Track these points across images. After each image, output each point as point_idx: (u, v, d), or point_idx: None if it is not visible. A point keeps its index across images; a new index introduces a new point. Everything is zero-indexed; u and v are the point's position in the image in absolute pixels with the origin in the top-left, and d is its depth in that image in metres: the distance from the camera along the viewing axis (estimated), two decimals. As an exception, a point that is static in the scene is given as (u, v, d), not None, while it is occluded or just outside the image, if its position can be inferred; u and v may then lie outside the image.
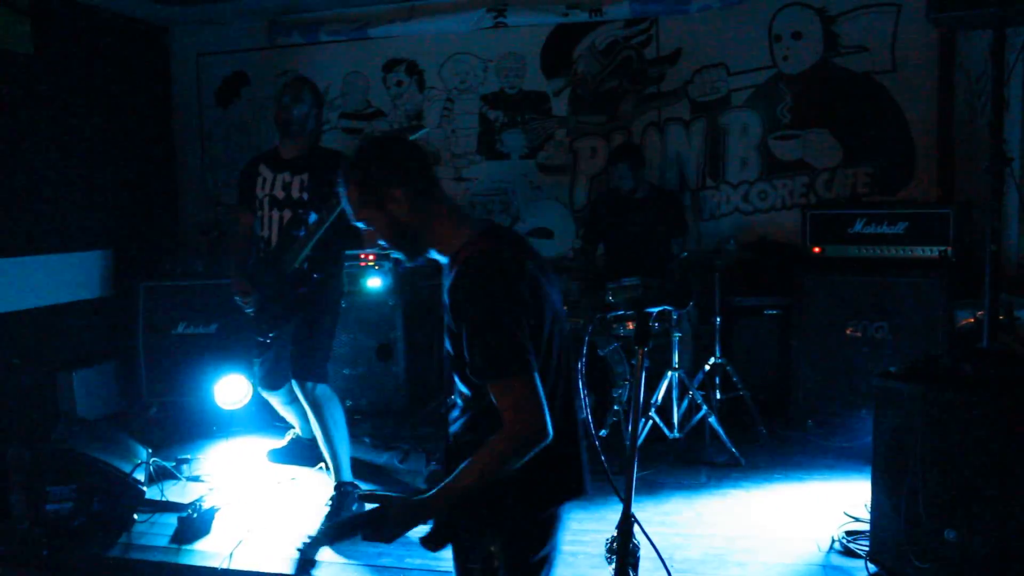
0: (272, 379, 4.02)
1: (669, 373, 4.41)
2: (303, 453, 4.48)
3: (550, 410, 1.75)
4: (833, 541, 3.31)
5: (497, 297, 1.75)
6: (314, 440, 4.22)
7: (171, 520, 3.69)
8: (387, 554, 3.33)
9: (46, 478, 3.63)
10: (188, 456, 4.49)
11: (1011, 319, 3.86)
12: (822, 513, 3.60)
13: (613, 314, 4.48)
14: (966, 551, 2.74)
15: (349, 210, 1.93)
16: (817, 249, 4.81)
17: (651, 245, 4.99)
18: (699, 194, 5.71)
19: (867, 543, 3.12)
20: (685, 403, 4.46)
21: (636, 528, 1.87)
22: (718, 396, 4.67)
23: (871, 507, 3.07)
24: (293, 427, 4.54)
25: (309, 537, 3.36)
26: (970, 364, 2.92)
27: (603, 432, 4.30)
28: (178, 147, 6.62)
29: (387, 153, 1.92)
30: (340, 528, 1.88)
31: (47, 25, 5.22)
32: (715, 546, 3.38)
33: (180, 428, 5.14)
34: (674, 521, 3.66)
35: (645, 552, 1.90)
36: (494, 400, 1.76)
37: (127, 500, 3.80)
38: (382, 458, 4.52)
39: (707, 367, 4.65)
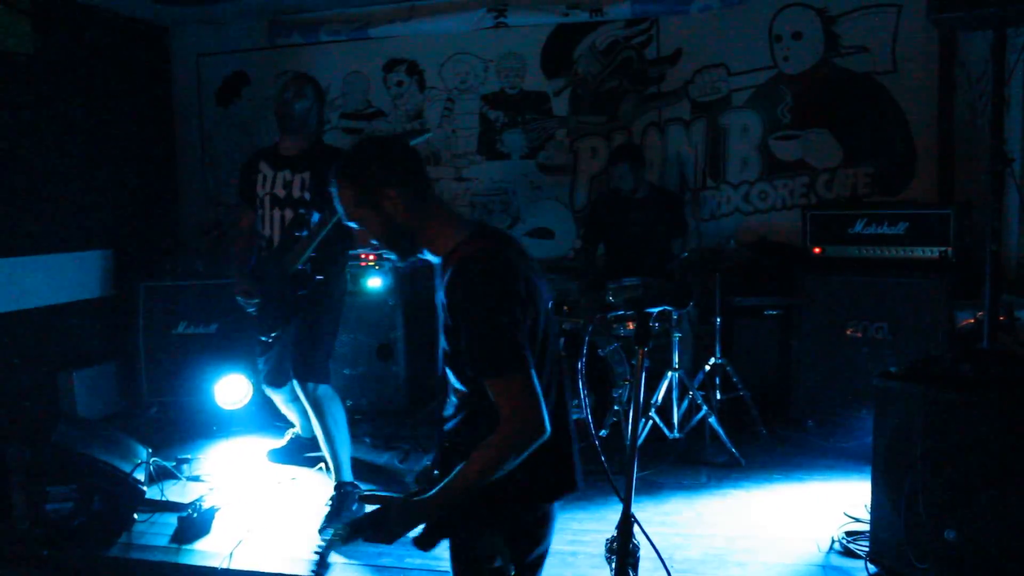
0: (275, 377, 4.03)
1: (669, 373, 4.41)
2: (303, 452, 4.49)
3: (545, 407, 1.77)
4: (833, 541, 3.31)
5: (496, 295, 1.77)
6: (314, 439, 4.22)
7: (171, 520, 3.69)
8: (387, 554, 3.33)
9: (46, 478, 3.64)
10: (188, 456, 4.49)
11: (1011, 320, 3.87)
12: (822, 513, 3.59)
13: (613, 314, 4.48)
14: (966, 551, 2.74)
15: (341, 210, 1.93)
16: (817, 249, 4.81)
17: (651, 245, 4.99)
18: (699, 194, 5.71)
19: (867, 543, 3.13)
20: (685, 403, 4.46)
21: (636, 528, 1.88)
22: (718, 396, 4.67)
23: (871, 507, 3.07)
24: (293, 426, 4.55)
25: (325, 539, 3.35)
26: (970, 365, 2.92)
27: (603, 432, 4.30)
28: (178, 147, 6.62)
29: (384, 153, 1.93)
30: (353, 529, 1.88)
31: (47, 25, 5.22)
32: (715, 546, 3.38)
33: (180, 428, 5.14)
34: (674, 521, 3.65)
35: (645, 552, 1.90)
36: (492, 397, 1.77)
37: (127, 500, 3.80)
38: (382, 458, 4.51)
39: (707, 367, 4.65)
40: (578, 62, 5.86)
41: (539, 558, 2.00)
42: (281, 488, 4.19)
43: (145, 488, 3.90)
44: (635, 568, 1.86)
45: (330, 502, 3.71)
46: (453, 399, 1.96)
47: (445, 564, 2.01)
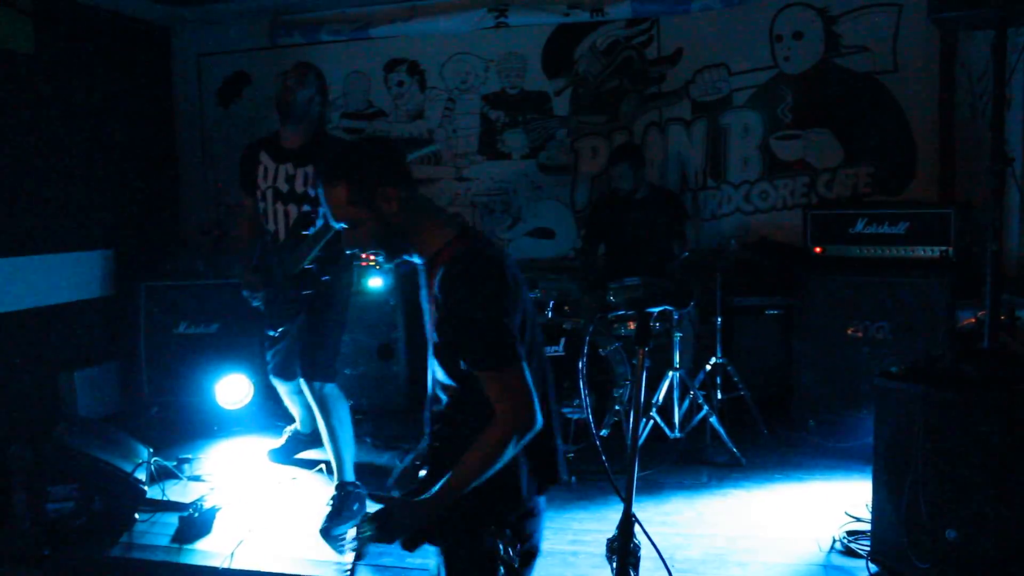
0: (283, 370, 4.07)
1: (670, 373, 4.41)
2: (302, 448, 4.50)
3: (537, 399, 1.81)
4: (834, 541, 3.31)
5: (489, 291, 1.81)
6: (312, 435, 4.24)
7: (172, 520, 3.69)
8: (388, 554, 3.33)
9: (47, 478, 3.64)
10: (189, 456, 4.48)
11: (1012, 319, 3.87)
12: (823, 513, 3.59)
13: (614, 314, 4.48)
14: (967, 551, 2.74)
15: (329, 209, 1.92)
16: (818, 249, 4.81)
17: (652, 245, 4.99)
18: (700, 194, 5.71)
19: (868, 543, 3.12)
20: (686, 403, 4.46)
21: (637, 528, 1.88)
22: (719, 396, 4.67)
23: (872, 507, 3.07)
24: (292, 423, 4.56)
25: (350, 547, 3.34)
26: (971, 364, 2.92)
27: (604, 432, 4.30)
28: (179, 147, 6.63)
29: (378, 152, 1.95)
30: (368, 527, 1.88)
31: (48, 25, 5.22)
32: (716, 546, 3.38)
33: (181, 428, 5.14)
34: (675, 521, 3.65)
35: (646, 552, 1.90)
36: (486, 390, 1.80)
37: (128, 500, 3.80)
38: (383, 458, 4.52)
39: (708, 367, 4.65)
40: (579, 62, 5.86)
41: (530, 554, 2.00)
42: (282, 488, 4.19)
43: (146, 488, 3.90)
44: (636, 568, 1.86)
45: (331, 502, 3.71)
46: (442, 396, 1.97)
47: (447, 564, 2.01)
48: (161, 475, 4.11)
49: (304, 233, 3.65)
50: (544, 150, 5.99)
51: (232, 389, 5.12)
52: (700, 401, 4.38)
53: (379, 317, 5.33)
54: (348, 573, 1.79)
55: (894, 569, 2.97)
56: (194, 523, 3.63)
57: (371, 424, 5.06)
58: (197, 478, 4.28)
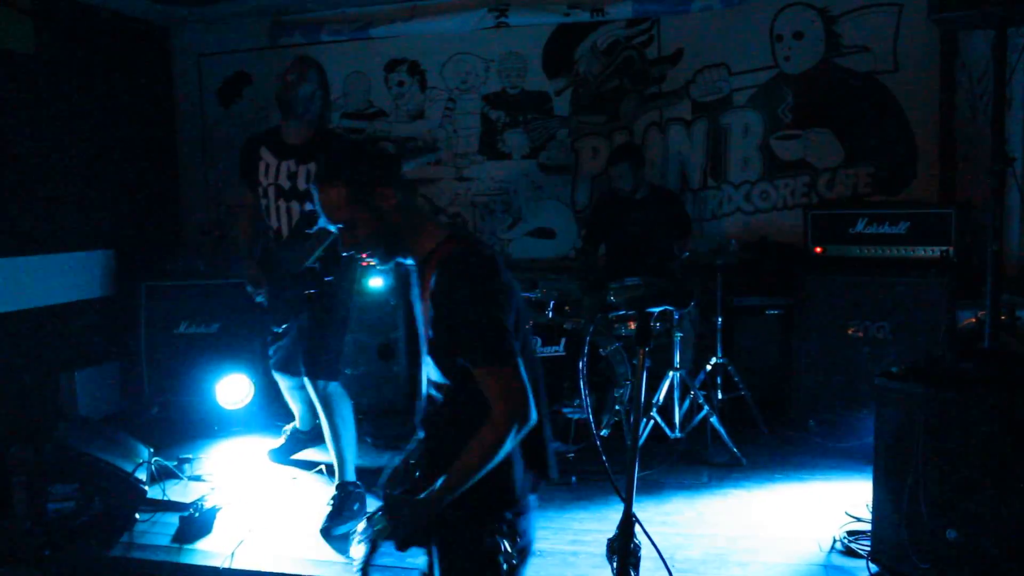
0: (286, 364, 4.07)
1: (671, 373, 4.41)
2: (302, 446, 4.50)
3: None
4: (834, 541, 3.31)
5: (487, 289, 1.83)
6: (312, 432, 4.23)
7: (173, 519, 3.69)
8: (387, 554, 3.32)
9: (48, 477, 3.64)
10: (190, 456, 4.48)
11: (1012, 319, 3.87)
12: (823, 513, 3.59)
13: (615, 314, 4.49)
14: (967, 551, 2.74)
15: (327, 211, 1.93)
16: (819, 249, 4.81)
17: (652, 245, 4.98)
18: (700, 194, 5.71)
19: (868, 543, 3.12)
20: (687, 403, 4.46)
21: (637, 528, 1.88)
22: (719, 396, 4.67)
23: (872, 507, 3.07)
24: (292, 421, 4.56)
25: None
26: (971, 364, 2.92)
27: (604, 432, 4.30)
28: (180, 147, 6.63)
29: (375, 151, 1.98)
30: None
31: (48, 25, 5.22)
32: (716, 546, 3.38)
33: (182, 428, 5.14)
34: (675, 521, 3.65)
35: (646, 552, 1.90)
36: (482, 386, 1.81)
37: (129, 499, 3.80)
38: (383, 458, 4.52)
39: (708, 367, 4.65)
40: (579, 62, 5.86)
41: (524, 552, 2.01)
42: (282, 488, 4.19)
43: (147, 488, 3.91)
44: (636, 568, 1.86)
45: (332, 501, 3.71)
46: (436, 394, 1.99)
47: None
48: (161, 475, 4.11)
49: (308, 232, 3.64)
50: (544, 150, 5.98)
51: (232, 389, 5.12)
52: (700, 401, 4.38)
53: (379, 317, 5.34)
54: (361, 571, 1.79)
55: (894, 569, 2.96)
56: (194, 523, 3.63)
57: (371, 424, 5.06)
58: (197, 478, 4.28)
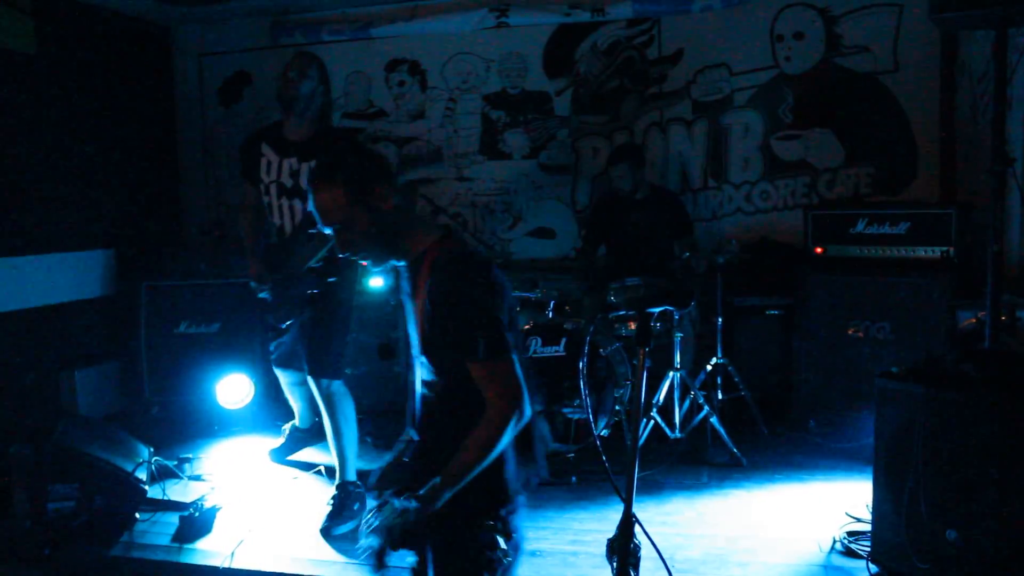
0: (287, 359, 4.08)
1: (671, 373, 4.41)
2: (301, 444, 4.49)
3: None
4: (834, 541, 3.31)
5: (481, 287, 1.86)
6: (311, 430, 4.23)
7: (173, 519, 3.70)
8: (387, 553, 3.32)
9: (48, 477, 3.64)
10: (190, 455, 4.48)
11: (1013, 320, 3.87)
12: (823, 513, 3.59)
13: (615, 314, 4.48)
14: (967, 551, 2.74)
15: (323, 213, 1.93)
16: (819, 249, 4.81)
17: (652, 245, 4.98)
18: (701, 194, 5.71)
19: (868, 543, 3.12)
20: (687, 403, 4.46)
21: (637, 528, 1.88)
22: (720, 396, 4.67)
23: (872, 507, 3.07)
24: (291, 420, 4.56)
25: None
26: (972, 364, 2.92)
27: (604, 432, 4.30)
28: (180, 147, 6.63)
29: (370, 152, 2.02)
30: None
31: (49, 25, 5.22)
32: (716, 546, 3.38)
33: (182, 427, 5.14)
34: (675, 521, 3.65)
35: (646, 552, 1.90)
36: (479, 381, 1.84)
37: (129, 499, 3.81)
38: (384, 458, 4.51)
39: (709, 367, 4.65)
40: (580, 62, 5.86)
41: (515, 550, 2.01)
42: (282, 488, 4.19)
43: (147, 487, 3.91)
44: (636, 568, 1.86)
45: (332, 501, 3.71)
46: (429, 392, 2.00)
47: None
48: (162, 474, 4.12)
49: (311, 232, 3.64)
50: (545, 150, 5.99)
51: (233, 389, 5.12)
52: (700, 401, 4.38)
53: (379, 317, 5.33)
54: (376, 559, 1.77)
55: (894, 569, 2.96)
56: (194, 523, 3.63)
57: (372, 424, 5.06)
58: (197, 478, 4.29)
